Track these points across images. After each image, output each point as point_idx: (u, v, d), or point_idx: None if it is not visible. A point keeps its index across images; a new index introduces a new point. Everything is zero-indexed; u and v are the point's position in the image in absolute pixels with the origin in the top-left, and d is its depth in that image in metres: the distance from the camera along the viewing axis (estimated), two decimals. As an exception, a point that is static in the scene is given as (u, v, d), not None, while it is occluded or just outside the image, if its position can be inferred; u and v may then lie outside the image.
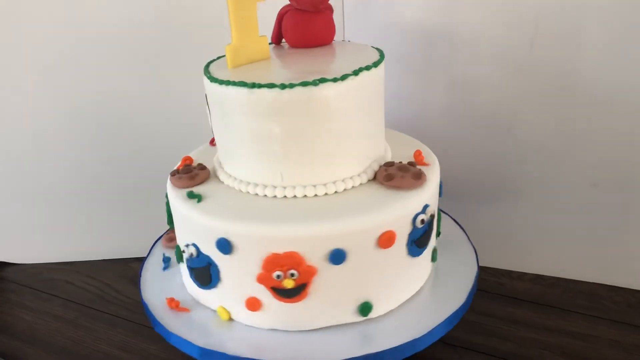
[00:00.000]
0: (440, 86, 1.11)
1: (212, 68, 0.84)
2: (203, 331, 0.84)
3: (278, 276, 0.77)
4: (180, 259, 0.90)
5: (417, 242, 0.83)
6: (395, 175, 0.81)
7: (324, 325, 0.83)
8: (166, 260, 0.99)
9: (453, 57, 1.08)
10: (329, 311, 0.82)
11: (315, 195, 0.81)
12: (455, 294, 0.89)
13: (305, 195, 0.81)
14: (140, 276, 0.97)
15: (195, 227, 0.81)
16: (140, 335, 1.05)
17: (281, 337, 0.82)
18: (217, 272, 0.82)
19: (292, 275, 0.76)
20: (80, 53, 1.12)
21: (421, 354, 0.82)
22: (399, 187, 0.81)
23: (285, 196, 0.81)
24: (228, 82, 0.77)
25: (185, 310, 0.87)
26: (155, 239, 1.08)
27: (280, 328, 0.83)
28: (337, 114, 0.77)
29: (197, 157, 0.95)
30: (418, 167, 0.85)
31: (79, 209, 1.26)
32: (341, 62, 0.84)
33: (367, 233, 0.77)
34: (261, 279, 0.78)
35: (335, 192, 0.81)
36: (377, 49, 0.87)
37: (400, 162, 0.85)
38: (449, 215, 1.08)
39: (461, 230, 1.05)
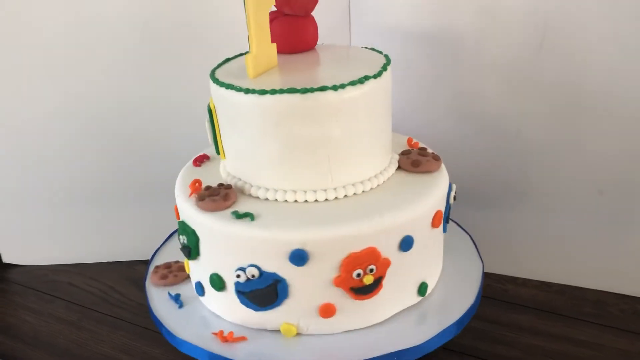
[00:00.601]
0: (446, 91, 1.11)
1: (228, 79, 0.81)
2: (270, 356, 0.81)
3: (358, 275, 0.78)
4: (220, 287, 0.83)
5: (447, 218, 0.93)
6: (421, 161, 0.88)
7: (392, 314, 0.86)
8: (177, 298, 0.92)
9: (459, 62, 1.08)
10: (398, 298, 0.86)
11: (363, 191, 0.83)
12: (460, 300, 0.90)
13: (355, 193, 0.83)
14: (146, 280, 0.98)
15: (259, 245, 0.77)
16: (143, 338, 1.04)
17: (354, 336, 0.83)
18: (286, 287, 0.79)
19: (372, 270, 0.78)
20: (88, 57, 1.13)
21: (426, 360, 0.82)
22: (426, 171, 0.88)
23: (336, 197, 0.82)
24: (274, 91, 0.75)
25: (242, 339, 0.83)
26: (160, 243, 1.09)
27: (354, 328, 0.84)
28: (375, 110, 0.83)
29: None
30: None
31: (83, 211, 1.26)
32: (354, 65, 0.87)
33: (426, 216, 0.83)
34: (340, 282, 0.78)
35: (378, 185, 0.85)
36: (377, 51, 0.91)
37: (412, 150, 0.93)
38: (454, 222, 1.08)
39: (467, 235, 1.05)
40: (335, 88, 0.76)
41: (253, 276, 0.79)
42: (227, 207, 0.80)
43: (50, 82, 1.15)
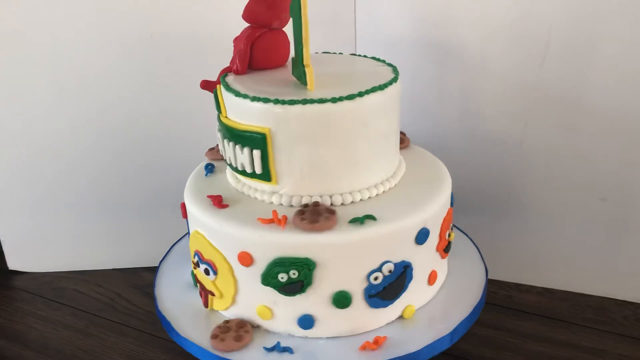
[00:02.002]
0: (450, 101, 1.12)
1: (294, 95, 0.78)
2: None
3: (448, 235, 0.91)
4: (346, 303, 0.81)
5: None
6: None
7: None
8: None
9: (463, 72, 1.09)
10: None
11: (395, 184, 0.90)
12: (463, 307, 0.90)
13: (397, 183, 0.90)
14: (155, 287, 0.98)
15: (390, 239, 0.80)
16: (150, 345, 1.05)
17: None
18: (411, 269, 0.84)
19: (452, 228, 0.93)
20: (97, 69, 1.14)
21: (431, 367, 0.83)
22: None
23: (396, 184, 0.89)
24: (361, 93, 0.78)
25: (384, 339, 0.83)
26: (166, 250, 1.09)
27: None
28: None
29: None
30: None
31: (88, 218, 1.26)
32: (369, 70, 0.90)
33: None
34: (439, 247, 0.89)
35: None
36: (381, 60, 0.93)
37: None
38: (459, 229, 1.09)
39: (472, 243, 1.06)
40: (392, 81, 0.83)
41: (390, 271, 0.81)
42: (335, 222, 0.79)
43: (58, 93, 1.16)
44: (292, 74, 0.86)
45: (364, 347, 0.82)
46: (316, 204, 0.82)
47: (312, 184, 0.83)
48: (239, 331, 0.84)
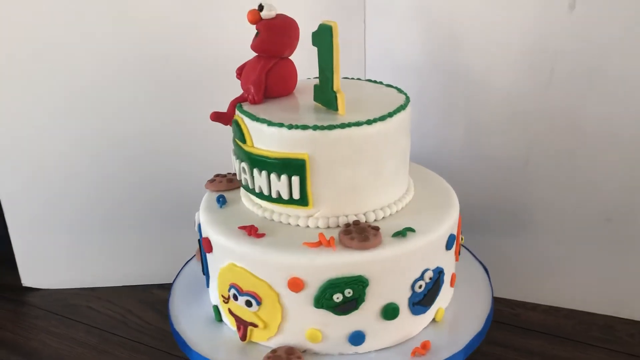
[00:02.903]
0: (457, 122, 1.15)
1: (328, 121, 0.81)
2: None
3: (461, 238, 0.99)
4: (395, 314, 0.84)
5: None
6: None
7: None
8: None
9: (470, 95, 1.12)
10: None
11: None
12: (470, 325, 0.92)
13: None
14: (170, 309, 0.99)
15: (428, 249, 0.85)
16: (163, 361, 1.07)
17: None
18: (443, 273, 0.89)
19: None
20: (109, 87, 1.16)
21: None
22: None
23: (412, 197, 0.93)
24: (391, 114, 0.83)
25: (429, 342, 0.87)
26: (180, 267, 1.10)
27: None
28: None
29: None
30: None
31: (99, 235, 1.28)
32: (378, 92, 0.94)
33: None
34: (456, 251, 0.96)
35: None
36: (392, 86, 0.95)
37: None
38: (466, 248, 1.11)
39: (478, 262, 1.08)
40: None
41: (430, 279, 0.86)
42: (381, 238, 0.82)
43: (68, 111, 1.18)
44: (315, 100, 0.88)
45: (414, 353, 0.85)
46: (357, 222, 0.84)
47: (346, 204, 0.86)
48: (290, 358, 0.83)
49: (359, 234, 0.81)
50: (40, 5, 1.10)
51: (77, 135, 1.20)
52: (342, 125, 0.80)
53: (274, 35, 0.86)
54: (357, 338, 0.85)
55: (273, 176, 0.83)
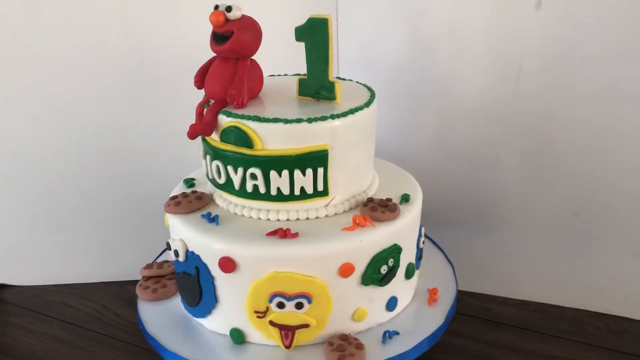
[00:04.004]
0: (428, 119, 1.17)
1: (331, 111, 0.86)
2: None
3: None
4: (413, 271, 0.95)
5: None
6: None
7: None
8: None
9: (440, 93, 1.13)
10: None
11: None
12: (434, 317, 0.96)
13: None
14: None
15: (422, 211, 0.96)
16: (138, 356, 1.07)
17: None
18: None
19: None
20: (87, 83, 1.16)
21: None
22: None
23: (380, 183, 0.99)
24: (373, 97, 0.90)
25: None
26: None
27: None
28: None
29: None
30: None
31: (75, 232, 1.28)
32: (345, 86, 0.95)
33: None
34: None
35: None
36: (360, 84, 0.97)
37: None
38: (434, 243, 1.14)
39: (444, 257, 1.11)
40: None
41: (425, 235, 1.01)
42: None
43: (46, 109, 1.18)
44: (301, 94, 0.90)
45: (431, 301, 0.98)
46: (370, 199, 0.90)
47: (351, 187, 0.91)
48: (349, 343, 0.87)
49: (384, 207, 0.87)
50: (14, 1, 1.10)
51: (51, 132, 1.20)
52: (352, 111, 0.85)
53: (248, 36, 0.86)
54: (392, 303, 0.93)
55: (297, 173, 0.84)
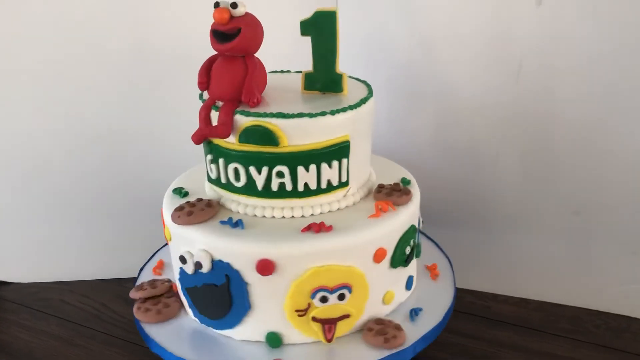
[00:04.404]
0: (428, 117, 1.16)
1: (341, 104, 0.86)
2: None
3: None
4: (420, 250, 1.00)
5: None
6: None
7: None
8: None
9: (440, 91, 1.13)
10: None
11: None
12: (432, 315, 0.95)
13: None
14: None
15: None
16: (136, 354, 1.06)
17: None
18: None
19: None
20: (82, 78, 1.16)
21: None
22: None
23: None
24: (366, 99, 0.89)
25: None
26: (145, 261, 1.12)
27: None
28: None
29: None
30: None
31: (73, 229, 1.28)
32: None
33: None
34: None
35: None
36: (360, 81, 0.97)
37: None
38: (432, 241, 1.13)
39: (441, 252, 1.11)
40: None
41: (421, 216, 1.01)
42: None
43: (42, 103, 1.17)
44: (307, 89, 0.91)
45: (434, 276, 1.03)
46: (382, 185, 0.93)
47: (362, 175, 0.93)
48: (387, 325, 0.89)
49: (398, 191, 0.91)
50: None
51: (51, 128, 1.20)
52: (364, 101, 0.86)
53: (256, 32, 0.84)
54: (410, 282, 0.97)
55: (324, 166, 0.85)
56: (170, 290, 1.00)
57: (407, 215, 0.90)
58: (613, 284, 1.13)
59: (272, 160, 0.84)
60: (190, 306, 0.93)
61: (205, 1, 1.05)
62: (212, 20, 0.85)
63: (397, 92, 1.16)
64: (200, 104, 0.89)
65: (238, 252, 0.83)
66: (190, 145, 1.03)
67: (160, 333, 0.92)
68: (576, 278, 1.15)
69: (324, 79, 0.89)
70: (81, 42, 1.13)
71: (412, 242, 0.92)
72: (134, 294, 0.99)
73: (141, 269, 1.11)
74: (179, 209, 0.88)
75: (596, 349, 1.05)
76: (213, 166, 0.89)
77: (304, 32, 0.85)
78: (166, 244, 1.09)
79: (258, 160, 0.84)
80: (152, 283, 1.01)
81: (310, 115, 0.82)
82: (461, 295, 1.11)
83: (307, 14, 0.85)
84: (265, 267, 0.82)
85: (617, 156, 1.07)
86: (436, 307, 0.96)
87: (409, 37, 1.13)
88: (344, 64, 0.92)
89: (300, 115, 0.82)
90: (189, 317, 0.95)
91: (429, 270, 1.05)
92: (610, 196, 1.10)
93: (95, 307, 1.21)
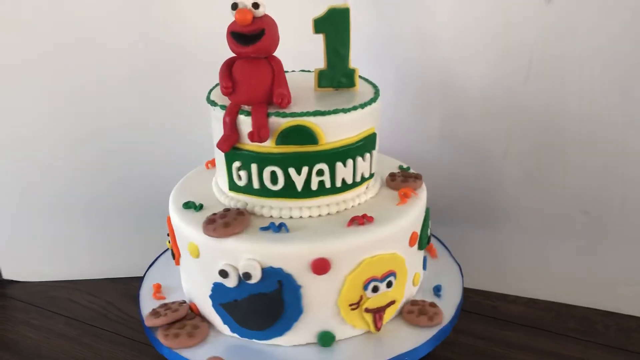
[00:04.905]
0: (436, 116, 1.16)
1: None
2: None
3: None
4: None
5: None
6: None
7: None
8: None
9: (448, 89, 1.13)
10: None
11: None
12: (449, 266, 1.04)
13: None
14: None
15: None
16: (143, 354, 1.07)
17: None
18: None
19: None
20: (87, 76, 1.16)
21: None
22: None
23: None
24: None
25: None
26: (152, 260, 1.13)
27: None
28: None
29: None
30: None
31: (81, 228, 1.28)
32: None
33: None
34: None
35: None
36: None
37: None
38: (440, 242, 1.13)
39: (448, 253, 1.11)
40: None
41: None
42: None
43: (49, 101, 1.17)
44: (321, 86, 0.91)
45: (433, 254, 1.08)
46: (393, 174, 0.97)
47: (375, 165, 0.93)
48: (420, 304, 0.93)
49: (412, 177, 0.96)
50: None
51: (57, 127, 1.20)
52: (378, 93, 0.89)
53: (276, 32, 0.83)
54: (425, 262, 1.01)
55: (359, 159, 0.86)
56: (190, 311, 0.94)
57: (424, 199, 0.94)
58: (623, 284, 1.12)
59: (312, 159, 0.83)
60: (227, 322, 0.90)
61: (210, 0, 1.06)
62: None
63: (404, 89, 1.16)
64: (208, 106, 0.89)
65: (291, 256, 0.81)
66: (196, 144, 1.04)
67: (198, 354, 0.87)
68: (586, 278, 1.14)
69: (338, 75, 0.90)
70: (87, 41, 1.13)
71: (429, 224, 0.97)
72: (153, 322, 0.92)
73: (148, 269, 1.11)
74: (210, 221, 0.84)
75: (606, 349, 1.04)
76: (242, 173, 0.86)
77: (317, 29, 0.85)
78: (166, 253, 1.10)
79: (298, 161, 0.83)
80: (167, 306, 0.95)
81: (345, 110, 0.83)
82: (469, 295, 1.11)
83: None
84: (321, 266, 0.81)
85: (628, 154, 1.06)
86: (451, 281, 1.01)
87: (417, 34, 1.12)
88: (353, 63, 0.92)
89: (336, 111, 0.82)
90: (224, 334, 0.91)
91: (428, 251, 1.07)
92: (621, 195, 1.09)
93: (102, 305, 1.22)
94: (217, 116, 0.86)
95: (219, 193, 0.93)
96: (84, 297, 1.25)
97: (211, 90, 0.93)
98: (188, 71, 1.14)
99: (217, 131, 0.86)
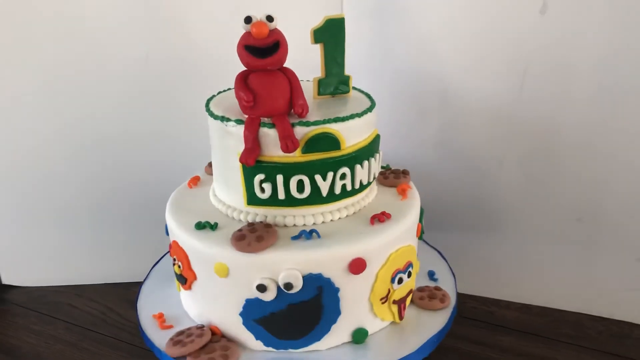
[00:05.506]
0: (432, 124, 1.17)
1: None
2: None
3: None
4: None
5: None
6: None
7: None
8: None
9: (445, 98, 1.14)
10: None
11: None
12: (433, 322, 0.96)
13: None
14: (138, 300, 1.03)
15: None
16: (142, 358, 1.07)
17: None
18: None
19: None
20: (88, 85, 1.17)
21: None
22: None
23: None
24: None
25: None
26: (152, 265, 1.13)
27: None
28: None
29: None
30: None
31: (80, 233, 1.29)
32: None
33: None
34: None
35: None
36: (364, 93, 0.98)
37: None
38: (433, 247, 1.14)
39: (443, 259, 1.12)
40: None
41: None
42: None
43: (49, 108, 1.18)
44: (321, 94, 0.93)
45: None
46: (384, 172, 1.03)
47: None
48: (427, 290, 1.01)
49: (402, 173, 1.02)
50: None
51: (59, 132, 1.20)
52: (372, 98, 0.94)
53: (287, 43, 0.83)
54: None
55: (372, 160, 0.90)
56: (213, 334, 0.91)
57: (417, 192, 0.99)
58: (616, 290, 1.13)
59: (336, 165, 0.85)
60: (260, 337, 0.88)
61: (214, 8, 1.07)
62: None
63: (400, 98, 1.17)
64: (206, 115, 0.90)
65: (330, 260, 0.83)
66: (197, 150, 1.05)
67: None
68: (579, 284, 1.15)
69: (336, 82, 0.93)
70: (90, 47, 1.14)
71: (424, 215, 1.01)
72: (176, 351, 0.87)
73: (148, 273, 1.12)
74: (240, 237, 0.82)
75: (599, 354, 1.05)
76: (266, 185, 0.84)
77: (316, 39, 0.88)
78: (164, 259, 1.10)
79: (323, 167, 0.85)
80: (186, 333, 0.90)
81: (359, 115, 0.86)
82: (464, 300, 1.12)
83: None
84: (359, 266, 0.84)
85: (621, 163, 1.08)
86: (442, 268, 1.09)
87: (413, 43, 1.13)
88: (349, 72, 0.94)
89: (352, 116, 0.86)
90: (257, 350, 0.90)
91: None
92: (614, 203, 1.10)
93: (102, 311, 1.22)
94: (231, 131, 0.85)
95: (229, 209, 0.91)
96: (83, 302, 1.25)
97: (209, 100, 0.93)
98: (189, 81, 1.16)
99: (231, 147, 0.85)
